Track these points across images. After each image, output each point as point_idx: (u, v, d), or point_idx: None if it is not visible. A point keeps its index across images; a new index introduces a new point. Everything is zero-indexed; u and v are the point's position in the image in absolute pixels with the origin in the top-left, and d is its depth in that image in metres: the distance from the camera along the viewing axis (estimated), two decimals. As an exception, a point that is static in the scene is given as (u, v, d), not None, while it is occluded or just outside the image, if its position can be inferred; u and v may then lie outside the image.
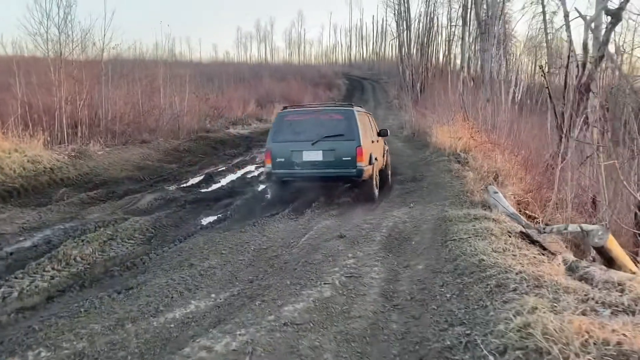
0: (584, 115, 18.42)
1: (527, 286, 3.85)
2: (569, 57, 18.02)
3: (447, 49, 39.71)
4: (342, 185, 9.25)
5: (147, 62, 20.87)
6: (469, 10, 24.06)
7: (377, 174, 9.42)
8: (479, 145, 13.40)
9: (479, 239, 5.29)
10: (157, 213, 7.96)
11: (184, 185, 11.01)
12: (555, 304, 3.46)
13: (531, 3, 26.58)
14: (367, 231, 6.52)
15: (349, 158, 8.26)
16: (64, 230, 6.71)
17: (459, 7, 24.01)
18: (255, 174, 12.71)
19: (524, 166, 9.97)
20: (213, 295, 4.62)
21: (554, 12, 26.51)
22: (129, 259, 5.85)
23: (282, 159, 8.53)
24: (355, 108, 9.04)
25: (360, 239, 6.10)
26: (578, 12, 21.63)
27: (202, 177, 11.86)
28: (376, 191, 9.10)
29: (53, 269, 5.33)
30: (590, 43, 18.68)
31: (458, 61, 38.09)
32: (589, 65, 16.81)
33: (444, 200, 8.19)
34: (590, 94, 18.02)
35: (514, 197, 8.54)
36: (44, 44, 13.30)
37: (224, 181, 11.63)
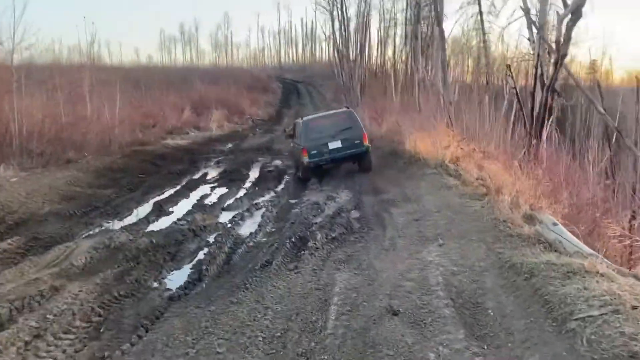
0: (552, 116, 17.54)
1: None
2: (538, 55, 17.05)
3: (380, 50, 38.67)
4: (353, 163, 12.39)
5: (68, 67, 17.88)
6: (422, 7, 22.80)
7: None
8: (467, 154, 11.90)
9: (621, 318, 3.53)
10: (102, 273, 5.68)
11: (129, 220, 8.63)
12: None
13: (467, 3, 25.90)
14: (419, 296, 4.60)
15: (358, 141, 11.66)
16: (-40, 323, 4.34)
17: (413, 5, 22.63)
18: (214, 198, 10.47)
19: (551, 182, 8.43)
20: None
21: (490, 12, 25.81)
22: (69, 378, 3.64)
23: (315, 151, 11.53)
24: (350, 109, 13.18)
25: (424, 316, 4.17)
26: (522, 9, 20.77)
27: (149, 208, 9.51)
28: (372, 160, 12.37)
29: None
30: (535, 40, 17.87)
31: (390, 63, 37.24)
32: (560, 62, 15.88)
33: (480, 234, 6.43)
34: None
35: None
36: None
37: (178, 211, 9.33)
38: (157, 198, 10.34)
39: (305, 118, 12.80)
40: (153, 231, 7.76)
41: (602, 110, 18.90)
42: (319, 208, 9.39)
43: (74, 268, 5.90)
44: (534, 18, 17.81)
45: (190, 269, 6.12)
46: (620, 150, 15.78)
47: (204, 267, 5.98)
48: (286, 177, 13.35)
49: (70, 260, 6.15)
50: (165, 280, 5.76)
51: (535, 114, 16.26)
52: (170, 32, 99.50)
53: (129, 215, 9.02)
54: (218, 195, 10.79)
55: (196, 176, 13.51)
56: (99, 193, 10.56)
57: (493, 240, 6.11)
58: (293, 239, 7.01)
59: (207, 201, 10.25)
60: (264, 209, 9.44)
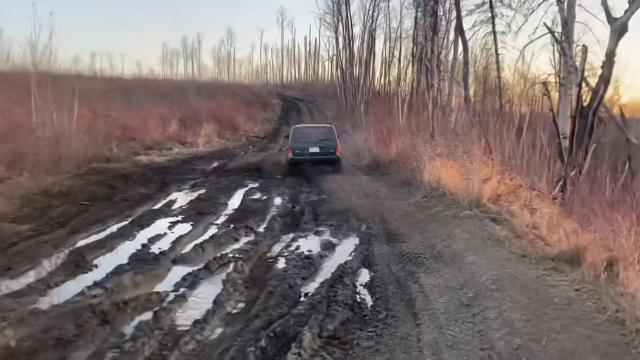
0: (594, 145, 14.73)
1: None
2: (582, 72, 14.25)
3: (384, 70, 35.97)
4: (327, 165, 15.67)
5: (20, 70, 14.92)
6: (438, 18, 20.12)
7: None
8: (511, 191, 9.01)
9: None
10: None
11: (15, 284, 5.61)
12: None
13: (481, 22, 23.26)
14: None
15: (332, 150, 15.42)
16: None
17: (430, 16, 19.88)
18: (167, 242, 7.49)
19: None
20: None
21: (504, 32, 23.06)
22: None
23: (299, 151, 15.28)
24: (332, 125, 17.68)
25: None
26: (547, 27, 17.97)
27: (63, 258, 6.50)
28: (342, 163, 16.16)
29: None
30: (572, 55, 15.27)
31: (395, 83, 34.46)
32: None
33: (603, 358, 3.47)
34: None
35: None
36: None
37: (103, 266, 6.27)
38: (86, 241, 7.35)
39: (297, 126, 17.22)
40: (36, 311, 4.71)
41: (635, 141, 15.98)
42: (312, 265, 6.60)
43: None
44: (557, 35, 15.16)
45: None
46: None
47: None
48: (273, 210, 10.42)
49: None
50: None
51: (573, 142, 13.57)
52: (173, 46, 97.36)
53: (25, 272, 6.00)
54: (175, 237, 7.83)
55: (158, 205, 10.53)
56: (8, 230, 7.53)
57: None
58: (263, 342, 4.05)
59: (156, 247, 7.25)
60: (231, 265, 6.45)
